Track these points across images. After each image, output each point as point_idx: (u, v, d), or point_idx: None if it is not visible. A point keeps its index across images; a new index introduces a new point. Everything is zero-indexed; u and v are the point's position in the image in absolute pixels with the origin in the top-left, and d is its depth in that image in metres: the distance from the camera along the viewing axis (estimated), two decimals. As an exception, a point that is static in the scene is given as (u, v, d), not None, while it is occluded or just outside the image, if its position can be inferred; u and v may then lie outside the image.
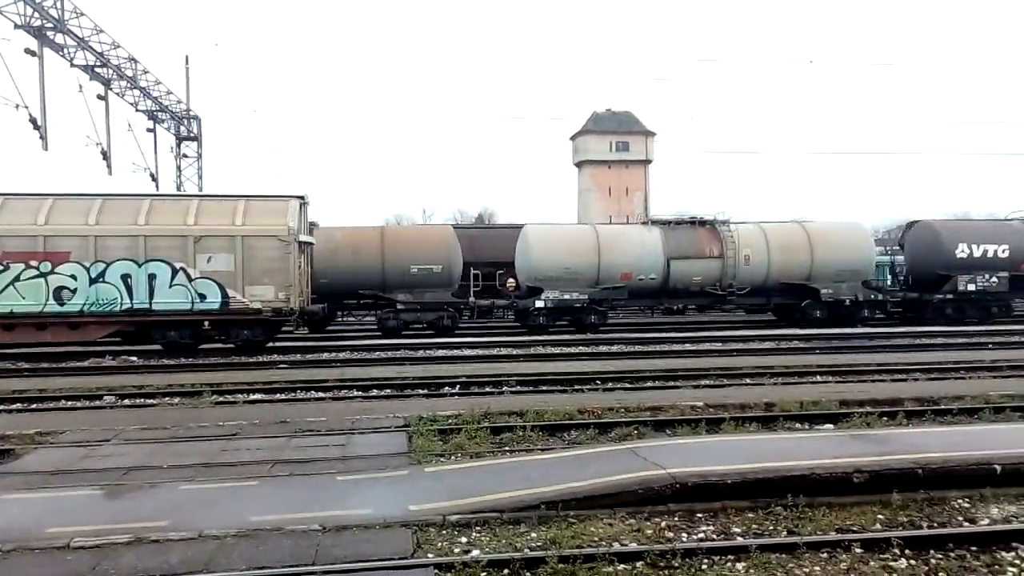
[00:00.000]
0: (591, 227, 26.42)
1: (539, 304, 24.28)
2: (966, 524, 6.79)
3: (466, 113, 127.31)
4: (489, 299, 25.85)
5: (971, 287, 26.45)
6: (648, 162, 75.65)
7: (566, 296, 24.36)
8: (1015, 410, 11.23)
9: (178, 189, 32.00)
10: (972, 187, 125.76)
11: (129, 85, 27.97)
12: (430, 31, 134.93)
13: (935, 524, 6.76)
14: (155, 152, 31.33)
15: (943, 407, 11.42)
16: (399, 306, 23.64)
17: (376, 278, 23.63)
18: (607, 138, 74.86)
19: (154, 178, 31.09)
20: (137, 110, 29.66)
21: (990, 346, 20.05)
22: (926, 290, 26.86)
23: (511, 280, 26.71)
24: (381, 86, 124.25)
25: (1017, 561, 5.86)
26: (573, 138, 77.74)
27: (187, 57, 33.87)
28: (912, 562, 5.83)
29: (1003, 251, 26.46)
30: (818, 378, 14.81)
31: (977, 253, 26.39)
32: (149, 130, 30.87)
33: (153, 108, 30.43)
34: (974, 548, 6.06)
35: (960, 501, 7.30)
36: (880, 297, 26.72)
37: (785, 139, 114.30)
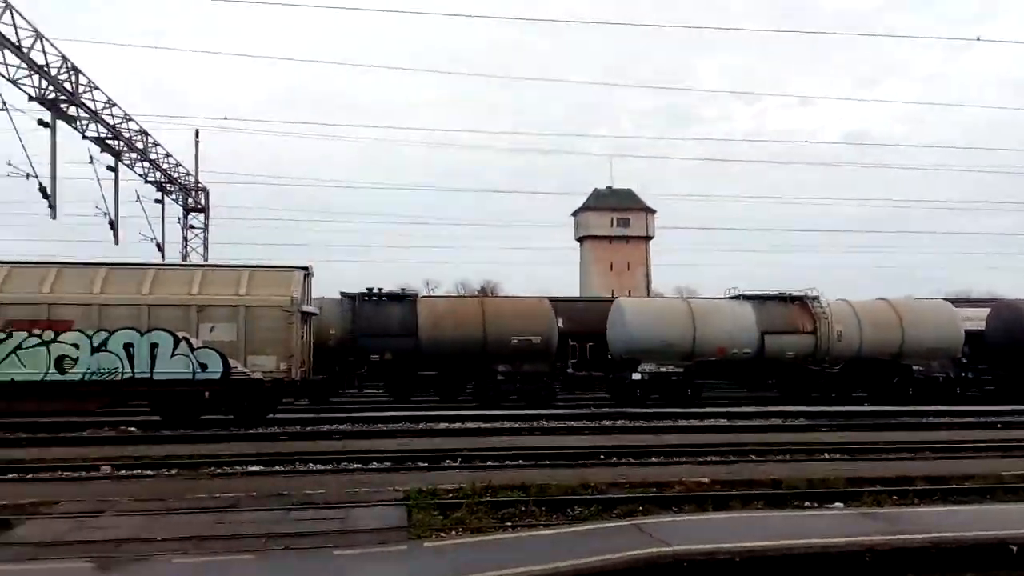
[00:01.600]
0: (684, 300, 26.76)
1: (636, 376, 24.32)
2: (984, 607, 6.58)
3: (465, 186, 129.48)
4: (585, 371, 26.05)
5: None
6: (649, 238, 76.62)
7: (662, 369, 24.38)
8: (1028, 490, 11.01)
9: (184, 259, 32.26)
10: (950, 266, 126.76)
11: (139, 157, 28.47)
12: (430, 105, 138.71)
13: (952, 607, 6.55)
14: (162, 222, 31.71)
15: (955, 486, 11.21)
16: (499, 377, 23.87)
17: (477, 348, 23.90)
18: (608, 215, 76.14)
19: (160, 248, 31.39)
20: (146, 181, 30.12)
21: (999, 425, 19.81)
22: (1014, 368, 26.75)
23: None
24: (383, 159, 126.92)
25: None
26: (575, 214, 78.96)
27: (197, 131, 34.47)
28: (931, 647, 5.63)
29: None
30: (825, 455, 14.57)
31: None
32: (157, 201, 31.30)
33: (162, 180, 30.92)
34: (994, 633, 5.86)
35: (977, 583, 7.09)
36: (971, 375, 26.87)
37: (775, 215, 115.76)
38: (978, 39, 23.67)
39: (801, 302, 26.17)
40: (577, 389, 27.73)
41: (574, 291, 72.67)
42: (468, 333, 23.92)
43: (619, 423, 19.83)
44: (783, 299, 26.32)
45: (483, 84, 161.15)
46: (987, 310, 28.50)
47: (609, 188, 77.72)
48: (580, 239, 78.40)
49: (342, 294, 24.89)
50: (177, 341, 18.34)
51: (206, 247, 33.99)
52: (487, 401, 23.78)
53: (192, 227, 33.87)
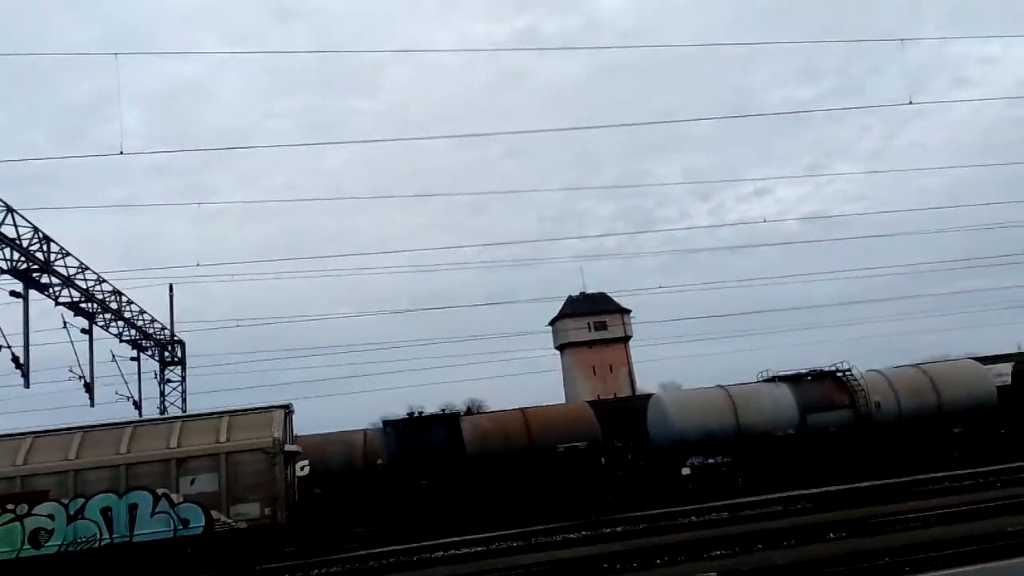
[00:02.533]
0: (722, 389, 26.74)
1: (685, 471, 24.34)
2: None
3: (435, 308, 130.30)
4: (634, 471, 25.80)
5: None
6: (627, 338, 77.00)
7: (710, 460, 24.42)
8: None
9: (162, 414, 31.69)
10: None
11: (113, 317, 28.43)
12: (402, 233, 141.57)
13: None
14: (139, 380, 31.34)
15: (961, 550, 11.01)
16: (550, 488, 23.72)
17: (524, 459, 23.98)
18: (584, 320, 76.71)
19: (137, 406, 30.85)
20: (121, 340, 29.97)
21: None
22: None
23: None
24: (359, 291, 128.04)
25: None
26: (552, 323, 79.40)
27: (171, 286, 34.65)
28: None
29: None
30: (831, 535, 14.26)
31: None
32: (133, 359, 31.09)
33: (137, 337, 30.81)
34: None
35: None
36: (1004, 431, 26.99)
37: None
38: (910, 102, 25.18)
39: (834, 377, 26.49)
40: (625, 491, 27.24)
41: (559, 399, 72.20)
42: (514, 445, 24.12)
43: (619, 529, 19.31)
44: (818, 376, 26.70)
45: (450, 206, 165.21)
46: (1010, 365, 28.81)
47: (582, 294, 78.68)
48: (560, 347, 78.58)
49: (384, 422, 24.93)
50: (157, 499, 17.74)
51: (184, 399, 33.48)
52: (538, 509, 23.17)
53: (169, 381, 33.50)
